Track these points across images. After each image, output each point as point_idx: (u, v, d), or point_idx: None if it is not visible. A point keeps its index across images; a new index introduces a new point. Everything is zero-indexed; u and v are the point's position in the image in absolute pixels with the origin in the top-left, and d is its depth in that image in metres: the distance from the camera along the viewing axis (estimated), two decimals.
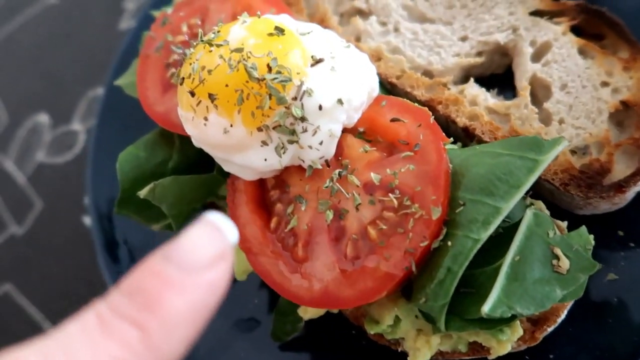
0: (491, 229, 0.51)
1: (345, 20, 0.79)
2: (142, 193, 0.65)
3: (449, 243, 0.51)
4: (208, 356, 0.69)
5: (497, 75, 0.73)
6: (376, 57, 0.72)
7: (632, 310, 0.59)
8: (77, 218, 0.95)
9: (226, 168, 0.62)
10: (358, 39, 0.75)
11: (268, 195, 0.63)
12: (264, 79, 0.53)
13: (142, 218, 0.71)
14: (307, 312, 0.63)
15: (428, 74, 0.71)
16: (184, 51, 0.72)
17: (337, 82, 0.56)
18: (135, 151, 0.69)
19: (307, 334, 0.67)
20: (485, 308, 0.49)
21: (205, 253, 0.33)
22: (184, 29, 0.74)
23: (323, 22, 0.77)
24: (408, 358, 0.57)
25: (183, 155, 0.71)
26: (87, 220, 0.94)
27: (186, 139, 0.70)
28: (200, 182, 0.68)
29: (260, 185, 0.64)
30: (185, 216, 0.70)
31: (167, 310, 0.30)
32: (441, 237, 0.52)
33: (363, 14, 0.77)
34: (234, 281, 0.70)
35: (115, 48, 1.06)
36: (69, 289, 0.91)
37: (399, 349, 0.59)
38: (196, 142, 0.62)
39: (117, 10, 1.11)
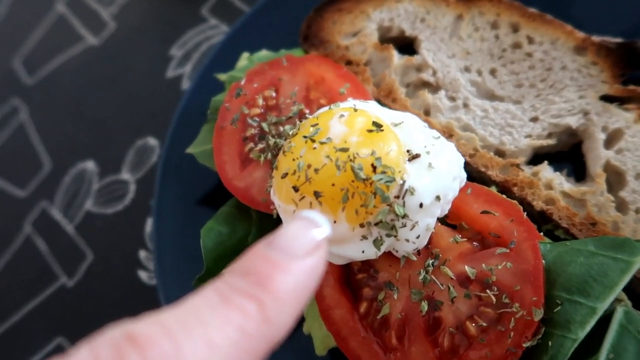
0: (587, 329, 0.54)
1: (412, 92, 0.81)
2: None
3: (549, 343, 0.54)
4: None
5: (563, 152, 0.75)
6: (447, 133, 0.74)
7: None
8: (132, 272, 0.95)
9: None
10: (427, 113, 0.77)
11: (354, 278, 0.65)
12: (370, 179, 0.55)
13: None
14: None
15: (500, 153, 0.73)
16: (261, 124, 0.74)
17: (434, 179, 0.58)
18: (217, 227, 0.71)
19: None
20: None
21: (305, 242, 0.38)
22: (260, 102, 0.76)
23: (391, 94, 0.79)
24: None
25: (261, 229, 0.73)
26: (143, 275, 0.95)
27: (263, 214, 0.72)
28: None
29: (346, 266, 0.66)
30: None
31: (277, 288, 0.35)
32: (540, 336, 0.55)
33: (431, 87, 0.80)
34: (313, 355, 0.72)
35: (163, 97, 1.08)
36: None
37: None
38: None
39: (164, 57, 1.11)
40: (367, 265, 0.64)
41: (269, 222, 0.72)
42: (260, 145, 0.73)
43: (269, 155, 0.71)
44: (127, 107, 1.10)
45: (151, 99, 1.09)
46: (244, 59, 0.87)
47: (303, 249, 0.37)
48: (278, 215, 0.67)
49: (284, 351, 0.75)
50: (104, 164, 1.07)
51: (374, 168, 0.56)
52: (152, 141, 1.05)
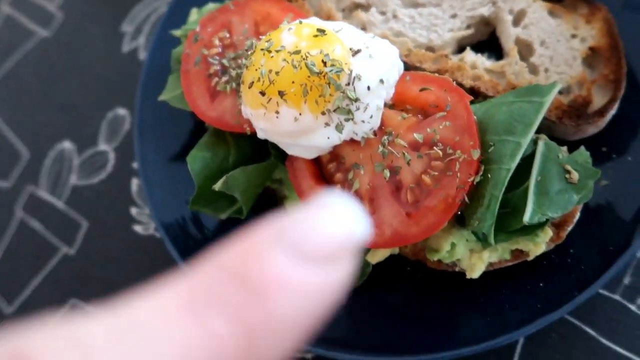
0: (517, 160, 0.67)
1: (348, 15, 0.92)
2: (217, 186, 0.76)
3: (489, 176, 0.66)
4: None
5: (483, 41, 0.88)
6: None
7: (621, 207, 0.76)
8: (127, 228, 1.04)
9: (290, 152, 0.74)
10: (364, 29, 0.89)
11: (326, 169, 0.76)
12: (323, 72, 0.66)
13: (211, 210, 0.82)
14: (375, 257, 0.76)
15: (430, 49, 0.85)
16: (221, 61, 0.84)
17: (376, 66, 0.70)
18: (200, 153, 0.80)
19: (371, 277, 0.80)
20: (526, 217, 0.65)
21: (333, 241, 0.25)
22: (217, 42, 0.85)
23: (329, 19, 0.90)
24: (466, 274, 0.72)
25: (239, 150, 0.83)
26: (138, 227, 1.03)
27: (238, 136, 0.82)
28: (262, 169, 0.80)
29: (316, 162, 0.77)
30: (253, 200, 0.82)
31: (276, 311, 0.23)
32: (481, 173, 0.67)
33: (363, 7, 0.91)
34: None
35: (123, 70, 1.16)
36: (134, 292, 1.00)
37: (456, 269, 0.74)
38: (263, 135, 0.73)
39: (117, 34, 1.18)
40: (334, 155, 0.75)
41: (245, 142, 0.82)
42: (224, 78, 0.82)
43: (234, 85, 0.81)
44: (91, 86, 1.17)
45: (113, 74, 1.16)
46: (194, 14, 0.96)
47: (326, 249, 0.24)
48: (252, 133, 0.77)
49: None
50: (80, 141, 1.13)
51: (325, 63, 0.67)
52: (122, 111, 1.13)
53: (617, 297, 0.75)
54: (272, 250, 0.24)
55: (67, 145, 1.14)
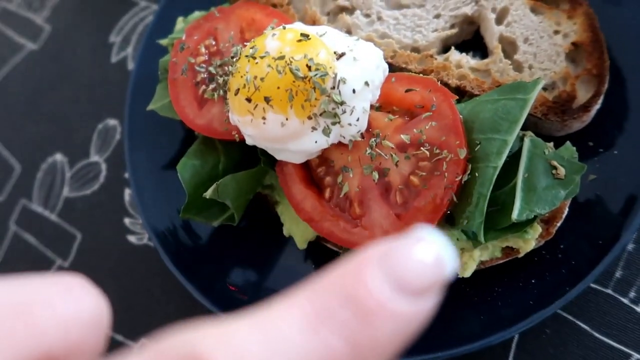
0: (504, 157, 0.67)
1: (333, 18, 0.92)
2: (208, 194, 0.76)
3: (476, 174, 0.67)
4: None
5: (468, 40, 0.88)
6: None
7: (610, 201, 0.76)
8: (121, 238, 1.04)
9: (279, 157, 0.75)
10: (349, 32, 0.89)
11: (315, 173, 0.77)
12: (308, 76, 0.66)
13: (203, 218, 0.82)
14: None
15: (415, 50, 0.85)
16: (208, 69, 0.84)
17: (360, 68, 0.70)
18: (190, 161, 0.80)
19: None
20: (514, 215, 0.65)
21: (428, 279, 0.30)
22: (203, 50, 0.85)
23: (315, 24, 0.90)
24: (458, 273, 0.72)
25: (229, 157, 0.83)
26: (132, 238, 1.03)
27: (228, 143, 0.82)
28: (252, 175, 0.80)
29: (306, 166, 0.77)
30: (244, 206, 0.82)
31: (381, 333, 0.28)
32: (468, 172, 0.67)
33: (347, 10, 0.91)
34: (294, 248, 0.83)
35: (113, 80, 1.16)
36: (131, 301, 1.00)
37: None
38: (252, 141, 0.74)
39: (105, 45, 1.19)
40: (323, 159, 0.75)
41: (234, 149, 0.82)
42: (212, 86, 0.83)
43: (221, 92, 0.81)
44: (81, 98, 1.17)
45: (102, 85, 1.16)
46: (180, 23, 0.96)
47: (423, 287, 0.29)
48: (241, 140, 0.77)
49: (273, 253, 0.87)
50: (71, 153, 1.14)
51: (309, 67, 0.67)
52: (112, 121, 1.13)
53: (609, 290, 0.76)
54: (378, 278, 0.29)
55: (58, 157, 1.14)
